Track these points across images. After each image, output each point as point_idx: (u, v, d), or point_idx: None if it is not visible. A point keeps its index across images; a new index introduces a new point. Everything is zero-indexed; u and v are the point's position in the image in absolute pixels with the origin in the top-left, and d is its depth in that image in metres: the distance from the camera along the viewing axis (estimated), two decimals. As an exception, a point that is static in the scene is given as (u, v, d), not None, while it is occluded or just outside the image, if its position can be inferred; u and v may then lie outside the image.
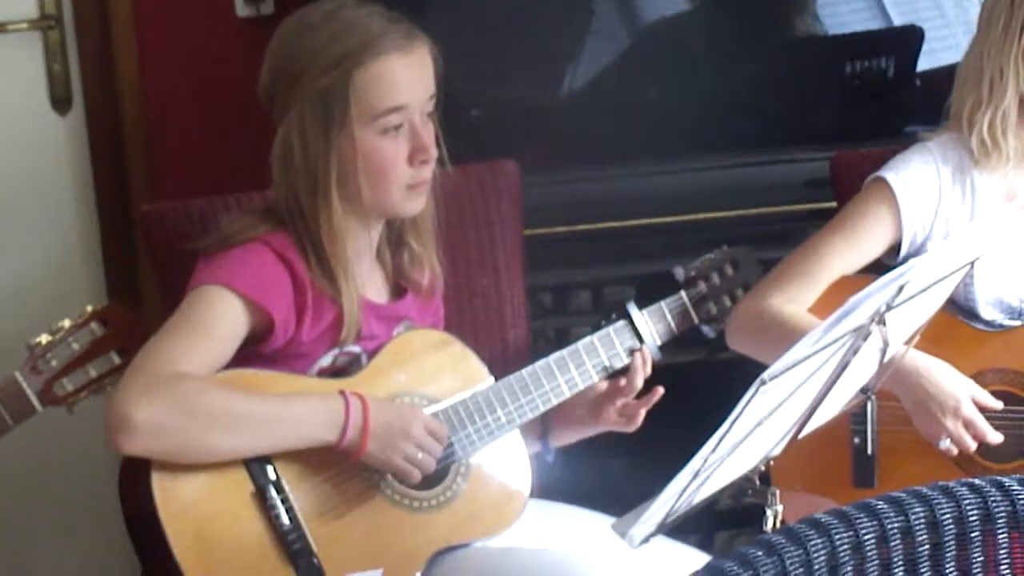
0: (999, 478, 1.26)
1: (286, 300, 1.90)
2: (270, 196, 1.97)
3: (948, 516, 1.21)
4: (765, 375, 1.39)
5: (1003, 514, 1.23)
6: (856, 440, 2.08)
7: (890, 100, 2.89)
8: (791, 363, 1.43)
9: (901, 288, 1.57)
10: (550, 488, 2.20)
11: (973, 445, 2.00)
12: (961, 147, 2.10)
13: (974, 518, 1.22)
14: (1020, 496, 1.24)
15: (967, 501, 1.22)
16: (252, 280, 1.89)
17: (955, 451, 2.01)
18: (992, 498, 1.23)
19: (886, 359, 1.76)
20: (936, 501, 1.21)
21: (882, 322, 1.59)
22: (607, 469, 2.67)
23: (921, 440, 2.05)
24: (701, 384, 2.26)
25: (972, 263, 1.83)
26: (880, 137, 2.64)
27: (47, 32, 2.75)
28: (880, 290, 1.53)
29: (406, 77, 1.90)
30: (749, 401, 1.39)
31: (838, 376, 1.61)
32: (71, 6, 2.75)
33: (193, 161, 2.77)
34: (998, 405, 2.01)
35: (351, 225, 1.94)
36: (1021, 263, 2.10)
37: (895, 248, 2.11)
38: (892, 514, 1.20)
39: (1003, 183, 2.10)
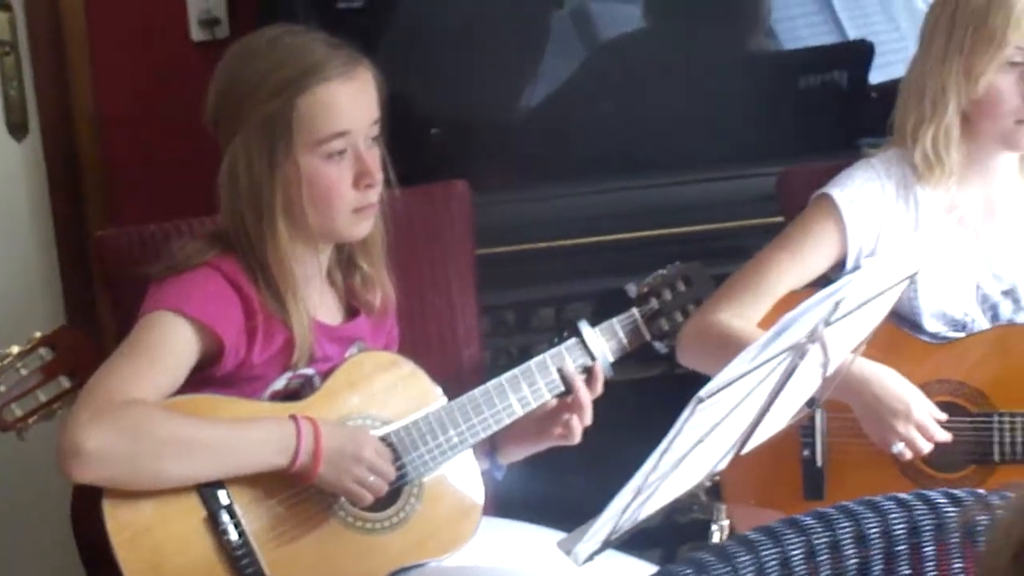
0: (925, 492, 1.28)
1: (236, 324, 1.91)
2: (219, 221, 1.98)
3: (875, 530, 1.23)
4: (701, 393, 1.41)
5: (929, 527, 1.25)
6: (806, 452, 2.10)
7: (844, 114, 2.92)
8: (728, 381, 1.45)
9: (838, 304, 1.59)
10: (507, 505, 2.21)
11: (926, 447, 2.01)
12: (905, 162, 2.12)
13: (901, 532, 1.24)
14: (946, 509, 1.26)
15: (893, 516, 1.24)
16: (202, 304, 1.90)
17: (908, 455, 2.02)
18: (918, 511, 1.25)
19: (829, 372, 1.78)
20: (863, 516, 1.23)
21: (820, 337, 1.61)
22: (566, 485, 2.68)
23: (872, 451, 2.07)
24: (659, 399, 2.27)
25: (911, 277, 1.85)
26: (835, 151, 2.66)
27: (2, 58, 2.75)
28: (816, 306, 1.55)
29: (349, 103, 1.91)
30: (686, 420, 1.41)
31: (779, 391, 1.62)
32: (26, 31, 2.76)
33: (150, 186, 2.78)
34: (941, 416, 2.03)
35: (299, 249, 1.96)
36: (964, 276, 2.12)
37: (841, 263, 2.13)
38: (819, 530, 1.22)
39: (946, 197, 2.12)
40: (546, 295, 2.86)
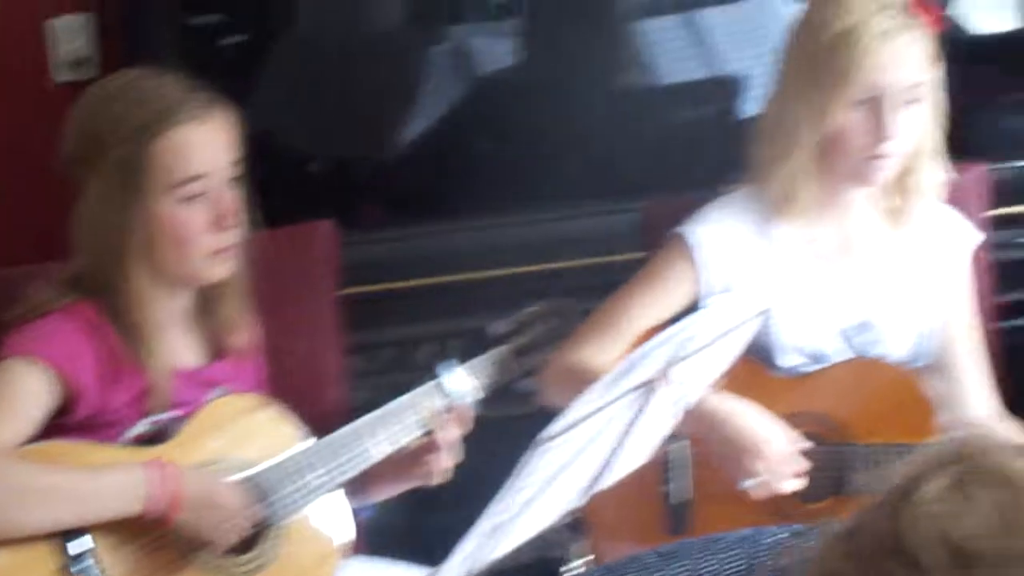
0: (764, 528, 1.29)
1: (91, 370, 1.89)
2: (75, 265, 1.96)
3: (710, 569, 1.24)
4: (542, 435, 1.41)
5: (767, 562, 1.26)
6: (665, 488, 2.11)
7: (717, 148, 2.95)
8: (571, 423, 1.45)
9: (686, 341, 1.61)
10: (387, 543, 2.20)
11: (782, 487, 2.02)
12: (761, 198, 2.14)
13: (737, 569, 1.25)
14: (786, 545, 1.27)
15: (731, 553, 1.25)
16: (56, 350, 1.88)
17: (762, 493, 2.03)
18: (756, 548, 1.27)
19: (684, 408, 1.79)
20: (699, 554, 1.24)
21: (671, 375, 1.62)
22: (446, 522, 2.67)
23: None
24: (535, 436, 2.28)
25: (764, 313, 1.88)
26: (706, 185, 2.69)
27: None
28: (661, 345, 1.57)
29: (204, 146, 1.90)
30: (528, 462, 1.42)
31: (630, 429, 1.64)
32: None
33: (15, 229, 2.74)
34: (803, 444, 2.04)
35: (157, 293, 1.94)
36: (822, 310, 2.15)
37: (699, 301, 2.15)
38: (655, 568, 1.23)
39: (803, 232, 2.15)
40: (427, 332, 2.86)
